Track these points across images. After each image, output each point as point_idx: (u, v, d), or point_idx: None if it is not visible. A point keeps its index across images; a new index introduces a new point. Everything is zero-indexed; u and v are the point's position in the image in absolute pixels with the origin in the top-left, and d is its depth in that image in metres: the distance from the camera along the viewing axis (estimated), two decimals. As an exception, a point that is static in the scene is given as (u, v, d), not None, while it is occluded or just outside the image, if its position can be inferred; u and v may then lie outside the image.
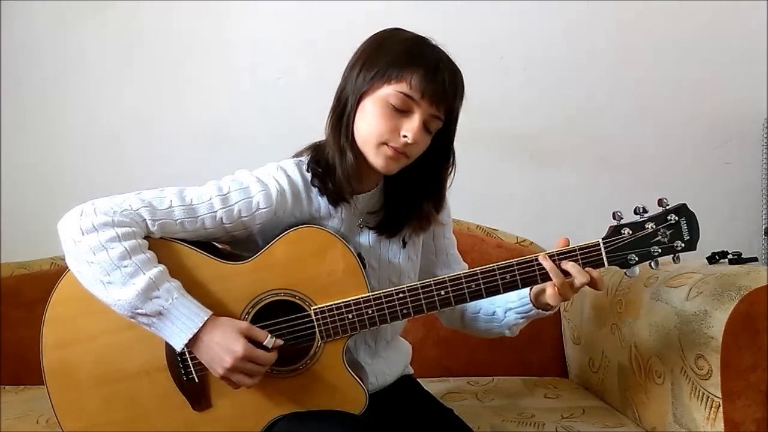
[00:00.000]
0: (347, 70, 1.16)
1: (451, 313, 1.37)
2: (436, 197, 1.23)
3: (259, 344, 1.07)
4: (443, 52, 1.15)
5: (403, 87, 1.09)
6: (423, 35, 1.16)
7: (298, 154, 1.22)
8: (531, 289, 1.19)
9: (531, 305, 1.20)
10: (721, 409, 1.17)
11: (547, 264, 1.09)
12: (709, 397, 1.19)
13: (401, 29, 1.17)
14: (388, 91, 1.10)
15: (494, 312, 1.28)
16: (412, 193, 1.21)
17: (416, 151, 1.14)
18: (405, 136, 1.11)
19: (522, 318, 1.23)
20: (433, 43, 1.15)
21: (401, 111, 1.11)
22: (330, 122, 1.17)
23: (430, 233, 1.31)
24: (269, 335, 1.08)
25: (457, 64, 1.15)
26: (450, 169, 1.21)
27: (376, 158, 1.13)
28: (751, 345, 1.16)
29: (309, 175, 1.17)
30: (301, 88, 2.09)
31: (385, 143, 1.12)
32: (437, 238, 1.33)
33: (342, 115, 1.14)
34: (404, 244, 1.26)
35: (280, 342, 1.09)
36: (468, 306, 1.33)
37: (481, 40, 2.08)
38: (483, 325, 1.31)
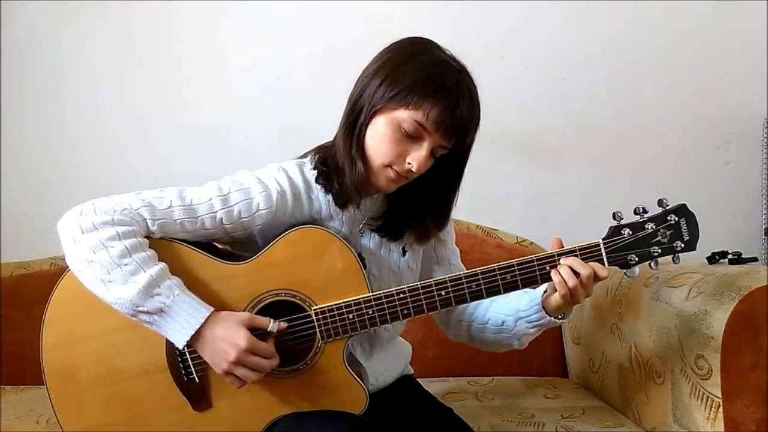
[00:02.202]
0: (367, 77, 1.13)
1: (458, 326, 1.33)
2: (441, 215, 1.23)
3: (263, 333, 1.07)
4: (465, 80, 1.12)
5: (419, 116, 1.08)
6: (448, 57, 1.13)
7: (303, 156, 1.22)
8: (542, 297, 1.17)
9: (542, 312, 1.17)
10: (721, 409, 1.17)
11: (565, 272, 1.09)
12: (709, 397, 1.19)
13: (429, 44, 1.14)
14: (403, 116, 1.09)
15: (503, 322, 1.25)
16: (416, 205, 1.20)
17: (417, 175, 1.14)
18: (410, 164, 1.11)
19: (533, 327, 1.20)
20: (459, 65, 1.13)
21: (411, 137, 1.10)
22: (342, 127, 1.15)
23: (431, 244, 1.30)
24: (272, 320, 1.08)
25: (475, 82, 1.13)
26: (458, 191, 1.21)
27: (378, 176, 1.14)
28: (751, 345, 1.16)
29: (311, 176, 1.17)
30: (301, 88, 2.08)
31: (389, 166, 1.12)
32: (438, 248, 1.32)
33: (354, 124, 1.13)
34: (404, 252, 1.25)
35: (284, 325, 1.09)
36: (475, 318, 1.30)
37: (481, 40, 2.08)
38: (491, 336, 1.28)
